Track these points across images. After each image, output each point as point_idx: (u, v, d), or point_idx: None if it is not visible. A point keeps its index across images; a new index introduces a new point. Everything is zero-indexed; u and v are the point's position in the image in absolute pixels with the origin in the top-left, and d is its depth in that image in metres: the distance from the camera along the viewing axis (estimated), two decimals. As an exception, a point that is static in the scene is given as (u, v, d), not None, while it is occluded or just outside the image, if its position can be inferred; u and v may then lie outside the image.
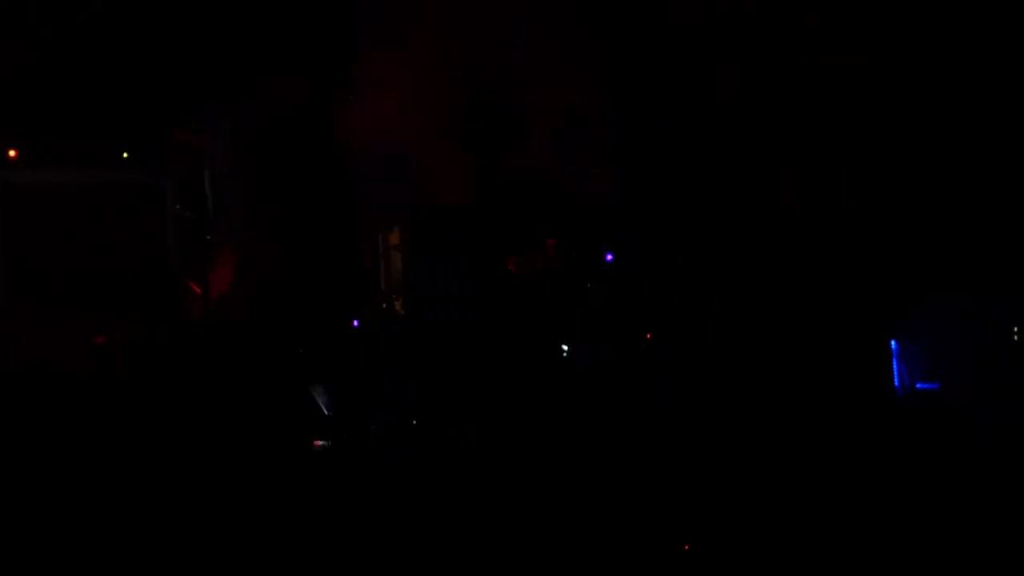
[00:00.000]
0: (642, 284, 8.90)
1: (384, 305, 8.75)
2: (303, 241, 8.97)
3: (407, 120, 8.57)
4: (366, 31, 8.52)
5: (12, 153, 8.83)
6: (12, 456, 7.03)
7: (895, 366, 9.07)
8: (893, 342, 9.09)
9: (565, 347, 8.65)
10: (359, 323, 8.76)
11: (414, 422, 8.14)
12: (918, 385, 9.05)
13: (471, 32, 8.60)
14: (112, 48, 8.56)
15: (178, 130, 9.06)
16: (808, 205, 9.21)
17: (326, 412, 8.25)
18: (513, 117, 9.11)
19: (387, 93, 8.50)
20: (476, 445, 7.88)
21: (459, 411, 8.12)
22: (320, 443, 8.03)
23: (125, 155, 8.99)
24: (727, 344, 8.71)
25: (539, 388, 8.33)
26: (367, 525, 6.67)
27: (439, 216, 8.88)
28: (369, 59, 8.51)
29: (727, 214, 9.24)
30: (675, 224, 9.11)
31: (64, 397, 7.63)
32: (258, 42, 8.69)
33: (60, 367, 7.97)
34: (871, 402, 8.73)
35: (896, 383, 9.05)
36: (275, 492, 7.07)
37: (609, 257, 9.12)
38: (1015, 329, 8.72)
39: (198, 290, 8.59)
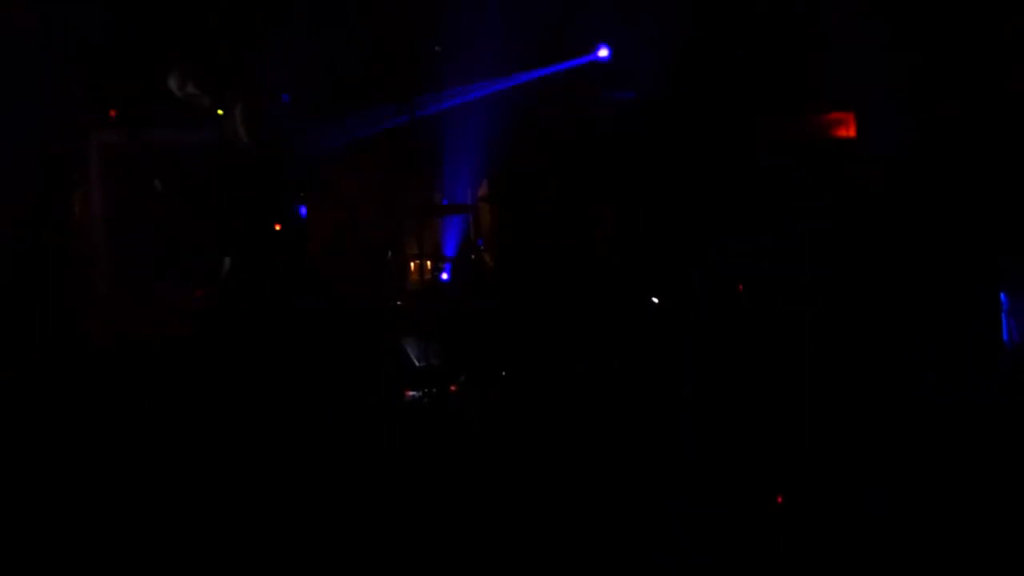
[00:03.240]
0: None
1: (473, 256, 8.74)
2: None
3: None
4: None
5: (111, 113, 8.97)
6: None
7: (1004, 321, 8.79)
8: (1003, 295, 8.80)
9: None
10: (449, 275, 8.78)
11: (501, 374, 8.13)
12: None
13: None
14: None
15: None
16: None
17: (417, 364, 8.29)
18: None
19: None
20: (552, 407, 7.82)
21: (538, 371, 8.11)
22: (411, 394, 8.07)
23: (220, 112, 9.00)
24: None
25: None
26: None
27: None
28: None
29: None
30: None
31: (167, 360, 7.68)
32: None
33: (159, 329, 8.09)
34: (977, 357, 8.43)
35: (1005, 338, 8.76)
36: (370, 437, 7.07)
37: None
38: None
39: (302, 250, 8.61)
